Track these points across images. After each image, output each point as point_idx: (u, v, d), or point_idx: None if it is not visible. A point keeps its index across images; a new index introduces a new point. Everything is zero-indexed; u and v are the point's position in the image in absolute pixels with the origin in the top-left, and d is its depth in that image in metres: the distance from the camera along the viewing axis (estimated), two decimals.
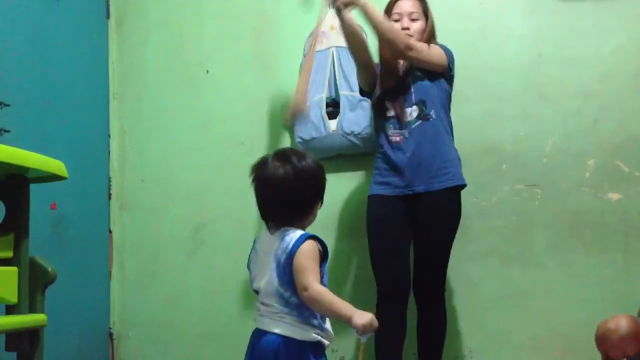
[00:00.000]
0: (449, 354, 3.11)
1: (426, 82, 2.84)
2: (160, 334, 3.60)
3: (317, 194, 1.88)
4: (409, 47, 2.74)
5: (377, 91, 2.93)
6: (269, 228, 1.89)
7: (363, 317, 1.70)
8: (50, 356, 2.45)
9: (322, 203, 1.92)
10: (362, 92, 3.06)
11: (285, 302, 1.79)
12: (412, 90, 2.83)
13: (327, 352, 1.87)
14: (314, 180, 1.86)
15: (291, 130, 3.40)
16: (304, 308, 1.78)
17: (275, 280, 1.80)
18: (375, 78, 2.95)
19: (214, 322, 3.52)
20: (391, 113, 2.84)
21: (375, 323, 1.72)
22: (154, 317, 3.62)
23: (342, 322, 1.73)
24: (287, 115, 3.14)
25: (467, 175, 2.92)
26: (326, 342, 1.82)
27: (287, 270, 1.77)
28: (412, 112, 2.81)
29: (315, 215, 1.91)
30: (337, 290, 3.20)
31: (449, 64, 2.86)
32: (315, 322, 1.80)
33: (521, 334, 3.12)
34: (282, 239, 1.81)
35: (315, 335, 1.79)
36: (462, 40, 3.12)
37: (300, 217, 1.86)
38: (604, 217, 3.07)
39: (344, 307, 1.72)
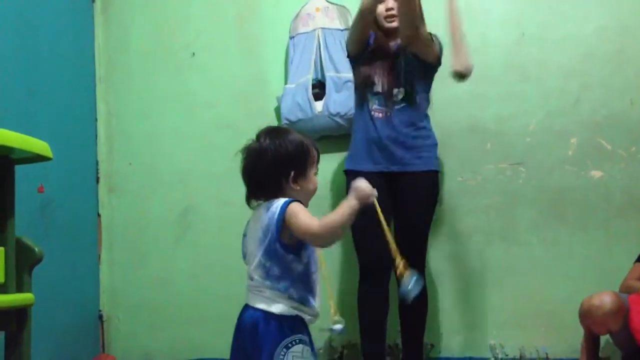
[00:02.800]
0: (433, 330, 3.16)
1: (416, 67, 2.84)
2: (149, 316, 3.63)
3: (282, 166, 1.85)
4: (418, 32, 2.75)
5: (367, 64, 2.88)
6: (252, 205, 1.90)
7: (356, 193, 1.77)
8: (40, 337, 2.48)
9: (302, 176, 1.88)
10: (349, 55, 2.97)
11: (266, 274, 1.79)
12: (403, 72, 2.83)
13: (315, 332, 1.87)
14: (281, 151, 1.85)
15: (278, 111, 3.41)
16: (282, 281, 1.78)
17: (260, 251, 1.81)
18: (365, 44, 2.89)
19: (202, 304, 3.55)
20: (378, 89, 2.84)
21: (364, 183, 1.79)
22: (143, 299, 3.64)
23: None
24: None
25: (451, 154, 2.94)
26: (306, 317, 1.80)
27: (272, 237, 1.78)
28: (398, 93, 2.82)
29: (301, 188, 1.87)
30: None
31: (439, 56, 2.88)
32: (294, 295, 1.79)
33: (505, 310, 3.15)
34: (268, 208, 1.81)
35: (293, 310, 1.78)
36: (446, 23, 3.13)
37: (277, 188, 1.85)
38: (587, 194, 3.11)
39: (344, 208, 1.74)
